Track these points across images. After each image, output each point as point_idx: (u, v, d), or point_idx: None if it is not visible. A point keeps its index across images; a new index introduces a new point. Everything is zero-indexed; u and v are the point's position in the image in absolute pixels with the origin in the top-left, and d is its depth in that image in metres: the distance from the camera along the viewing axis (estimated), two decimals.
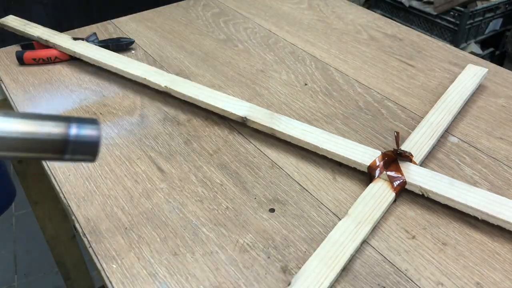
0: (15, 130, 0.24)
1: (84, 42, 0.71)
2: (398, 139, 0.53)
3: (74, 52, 0.69)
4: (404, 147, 0.53)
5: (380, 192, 0.47)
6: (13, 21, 0.76)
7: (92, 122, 0.26)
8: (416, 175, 0.48)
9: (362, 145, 0.52)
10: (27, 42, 0.74)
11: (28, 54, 0.70)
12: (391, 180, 0.48)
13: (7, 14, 0.79)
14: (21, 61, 0.71)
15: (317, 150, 0.52)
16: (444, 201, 0.46)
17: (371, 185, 0.48)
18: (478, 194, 0.46)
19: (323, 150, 0.52)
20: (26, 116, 0.24)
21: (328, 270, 0.40)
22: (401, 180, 0.48)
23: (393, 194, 0.47)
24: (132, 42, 0.75)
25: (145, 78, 0.63)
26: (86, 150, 0.26)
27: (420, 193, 0.47)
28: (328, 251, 0.41)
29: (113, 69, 0.66)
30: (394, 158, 0.50)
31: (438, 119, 0.57)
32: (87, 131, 0.26)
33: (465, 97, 0.61)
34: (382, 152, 0.50)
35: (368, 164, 0.49)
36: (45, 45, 0.72)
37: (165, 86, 0.61)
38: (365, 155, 0.50)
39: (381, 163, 0.49)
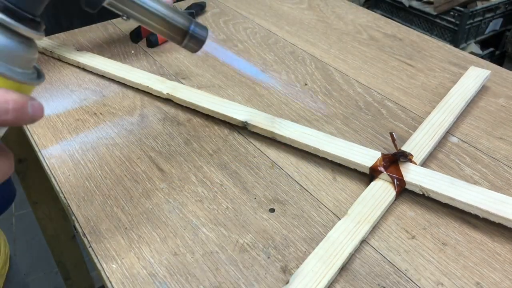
0: (164, 12, 0.38)
1: (86, 53, 0.72)
2: (394, 139, 0.53)
3: (78, 62, 0.70)
4: (406, 147, 0.53)
5: (380, 192, 0.47)
6: None
7: (204, 27, 0.40)
8: (416, 175, 0.48)
9: (362, 146, 0.52)
10: None
11: None
12: (391, 180, 0.48)
13: None
14: None
15: (317, 152, 0.52)
16: (445, 200, 0.46)
17: (371, 185, 0.48)
18: (479, 193, 0.46)
19: (323, 152, 0.52)
20: (171, 9, 0.38)
21: (326, 268, 0.40)
22: (401, 180, 0.48)
23: (393, 194, 0.47)
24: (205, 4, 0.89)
25: (147, 86, 0.64)
26: (195, 43, 0.39)
27: (421, 193, 0.47)
28: (327, 250, 0.41)
29: (116, 78, 0.67)
30: (395, 158, 0.50)
31: (439, 120, 0.57)
32: (201, 31, 0.39)
33: (467, 98, 0.61)
34: (382, 153, 0.51)
35: (369, 166, 0.49)
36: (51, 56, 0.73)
37: (167, 93, 0.62)
38: (365, 156, 0.51)
39: (382, 164, 0.49)
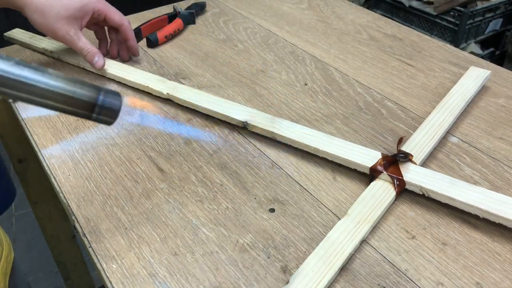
0: (61, 87, 0.31)
1: None
2: (400, 142, 0.53)
3: (78, 62, 0.70)
4: (406, 147, 0.53)
5: (380, 192, 0.47)
6: (19, 34, 0.77)
7: (116, 94, 0.34)
8: (416, 175, 0.48)
9: (362, 146, 0.52)
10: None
11: None
12: (391, 180, 0.48)
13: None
14: None
15: (317, 152, 0.52)
16: (445, 200, 0.46)
17: (371, 185, 0.48)
18: (479, 193, 0.46)
19: (323, 152, 0.52)
20: (69, 79, 0.32)
21: (326, 268, 0.40)
22: (401, 180, 0.48)
23: (393, 194, 0.47)
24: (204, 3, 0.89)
25: (147, 86, 0.64)
26: (108, 114, 0.34)
27: (421, 193, 0.47)
28: (327, 250, 0.41)
29: (116, 78, 0.67)
30: (395, 159, 0.50)
31: (439, 120, 0.57)
32: (111, 100, 0.33)
33: (467, 98, 0.61)
34: (382, 154, 0.51)
35: (369, 166, 0.49)
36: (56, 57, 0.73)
37: (167, 93, 0.62)
38: (365, 156, 0.51)
39: (382, 164, 0.49)
